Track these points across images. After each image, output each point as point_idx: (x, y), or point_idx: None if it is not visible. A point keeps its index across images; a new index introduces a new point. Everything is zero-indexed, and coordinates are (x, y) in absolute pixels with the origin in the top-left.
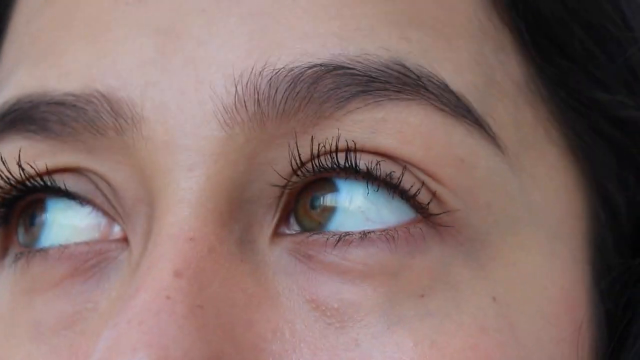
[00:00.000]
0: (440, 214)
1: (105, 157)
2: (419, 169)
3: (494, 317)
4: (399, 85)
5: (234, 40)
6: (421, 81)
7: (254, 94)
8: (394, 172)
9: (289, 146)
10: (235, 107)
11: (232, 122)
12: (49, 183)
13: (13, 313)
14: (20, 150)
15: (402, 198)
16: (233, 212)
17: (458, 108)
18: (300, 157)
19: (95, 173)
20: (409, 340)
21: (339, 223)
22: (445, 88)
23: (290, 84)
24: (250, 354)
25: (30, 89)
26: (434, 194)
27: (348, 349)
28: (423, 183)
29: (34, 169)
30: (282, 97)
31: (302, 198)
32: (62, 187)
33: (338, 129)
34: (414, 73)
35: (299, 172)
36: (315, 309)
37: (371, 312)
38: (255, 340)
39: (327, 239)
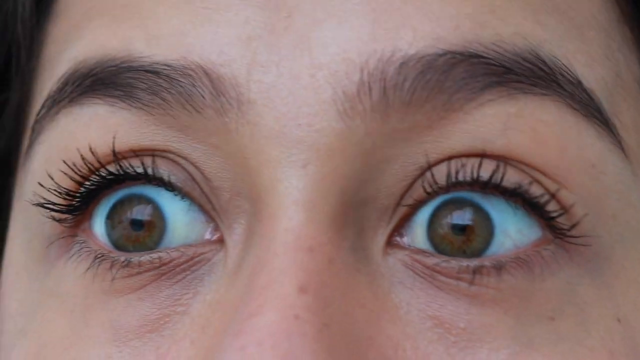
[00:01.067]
0: (570, 229)
1: (199, 138)
2: (548, 176)
3: (620, 341)
4: (533, 79)
5: (355, 20)
6: (555, 76)
7: (381, 81)
8: (523, 181)
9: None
10: (358, 95)
11: (352, 112)
12: (149, 171)
13: (86, 312)
14: (101, 119)
15: (527, 210)
16: (347, 215)
17: (589, 107)
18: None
19: (186, 159)
20: None
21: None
22: (578, 85)
23: (421, 72)
24: None
25: (112, 50)
26: (563, 205)
27: None
28: (553, 194)
29: (124, 145)
30: (411, 85)
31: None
32: (166, 177)
33: (466, 124)
34: (548, 66)
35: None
36: (439, 325)
37: (501, 335)
38: (377, 358)
39: (461, 268)
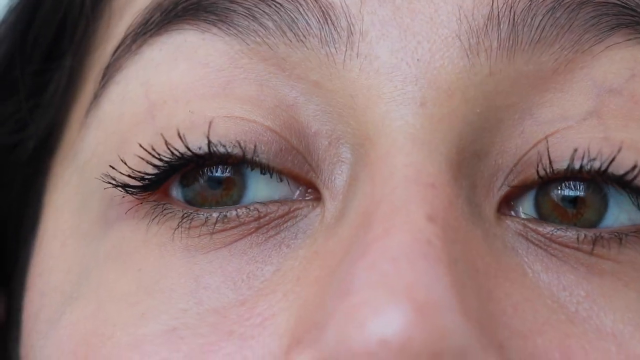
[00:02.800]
0: None
1: (299, 73)
2: None
3: None
4: None
5: None
6: None
7: (510, 15)
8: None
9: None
10: (487, 29)
11: (477, 49)
12: (248, 155)
13: (162, 269)
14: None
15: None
16: (461, 164)
17: None
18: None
19: (281, 107)
20: None
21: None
22: None
23: (551, 9)
24: (493, 324)
25: None
26: None
27: (603, 338)
28: None
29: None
30: (541, 22)
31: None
32: (264, 159)
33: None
34: None
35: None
36: (558, 293)
37: (625, 307)
38: (496, 312)
39: (579, 237)
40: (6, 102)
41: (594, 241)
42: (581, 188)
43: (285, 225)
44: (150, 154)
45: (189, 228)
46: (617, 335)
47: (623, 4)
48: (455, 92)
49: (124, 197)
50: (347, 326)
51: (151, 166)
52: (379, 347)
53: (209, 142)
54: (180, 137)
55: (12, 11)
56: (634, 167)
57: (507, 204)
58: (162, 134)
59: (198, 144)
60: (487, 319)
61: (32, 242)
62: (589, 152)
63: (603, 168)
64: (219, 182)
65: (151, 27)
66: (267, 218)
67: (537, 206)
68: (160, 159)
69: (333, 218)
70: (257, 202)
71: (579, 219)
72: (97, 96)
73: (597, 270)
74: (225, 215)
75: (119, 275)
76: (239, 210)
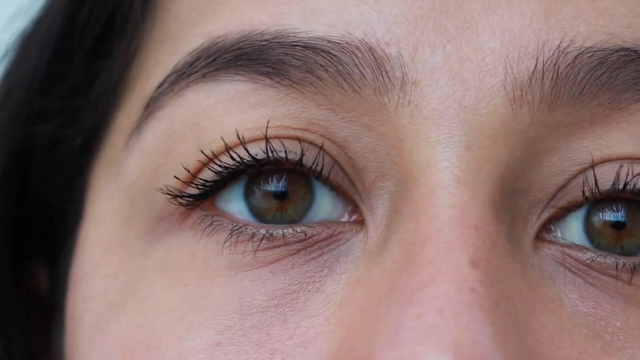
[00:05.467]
0: None
1: (351, 118)
2: None
3: None
4: None
5: (527, 7)
6: None
7: (554, 72)
8: None
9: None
10: (531, 83)
11: (521, 101)
12: (308, 163)
13: (207, 284)
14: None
15: None
16: (504, 202)
17: None
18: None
19: (331, 140)
20: None
21: None
22: None
23: (594, 67)
24: (532, 358)
25: (261, 25)
26: None
27: None
28: None
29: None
30: (583, 79)
31: None
32: (325, 170)
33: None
34: None
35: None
36: (594, 323)
37: None
38: (534, 345)
39: (618, 265)
40: (57, 91)
41: (634, 270)
42: (623, 210)
43: (328, 248)
44: (209, 158)
45: (236, 243)
46: None
47: None
48: (499, 137)
49: (172, 211)
50: None
51: (210, 172)
52: None
53: (267, 142)
54: (239, 139)
55: None
56: None
57: (546, 228)
58: (222, 138)
59: (255, 151)
60: (526, 354)
61: (75, 239)
62: (632, 171)
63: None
64: (284, 194)
65: (196, 71)
66: (311, 240)
67: (585, 229)
68: (220, 165)
69: (375, 246)
70: (304, 225)
71: (625, 242)
72: (139, 125)
73: (634, 300)
74: (272, 234)
75: (166, 289)
76: (285, 230)
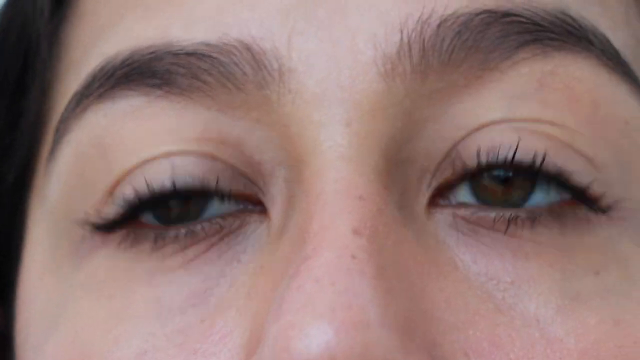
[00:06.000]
0: (600, 197)
1: (239, 115)
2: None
3: None
4: (566, 36)
5: None
6: (586, 33)
7: (420, 42)
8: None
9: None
10: (399, 56)
11: (392, 73)
12: (211, 187)
13: (129, 293)
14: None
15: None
16: (390, 172)
17: (620, 65)
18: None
19: (226, 142)
20: (591, 318)
21: None
22: (607, 43)
23: (458, 32)
24: (426, 322)
25: (148, 39)
26: (593, 180)
27: (527, 324)
28: (586, 187)
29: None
30: (449, 45)
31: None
32: (226, 188)
33: (502, 86)
34: (579, 24)
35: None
36: (487, 282)
37: (548, 289)
38: (429, 308)
39: (495, 219)
40: None
41: (509, 221)
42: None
43: (236, 241)
44: (114, 198)
45: (160, 248)
46: (540, 320)
47: (528, 21)
48: (377, 111)
49: (94, 233)
50: (276, 348)
51: (117, 207)
52: None
53: (174, 182)
54: (146, 182)
55: None
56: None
57: (440, 196)
58: (125, 181)
59: (161, 184)
60: (419, 319)
61: (19, 268)
62: (501, 146)
63: (510, 157)
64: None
65: (92, 92)
66: (226, 230)
67: (473, 189)
68: (125, 202)
69: (277, 232)
70: (217, 217)
71: (509, 197)
72: (52, 150)
73: (521, 253)
74: (193, 230)
75: (92, 303)
76: (203, 224)
